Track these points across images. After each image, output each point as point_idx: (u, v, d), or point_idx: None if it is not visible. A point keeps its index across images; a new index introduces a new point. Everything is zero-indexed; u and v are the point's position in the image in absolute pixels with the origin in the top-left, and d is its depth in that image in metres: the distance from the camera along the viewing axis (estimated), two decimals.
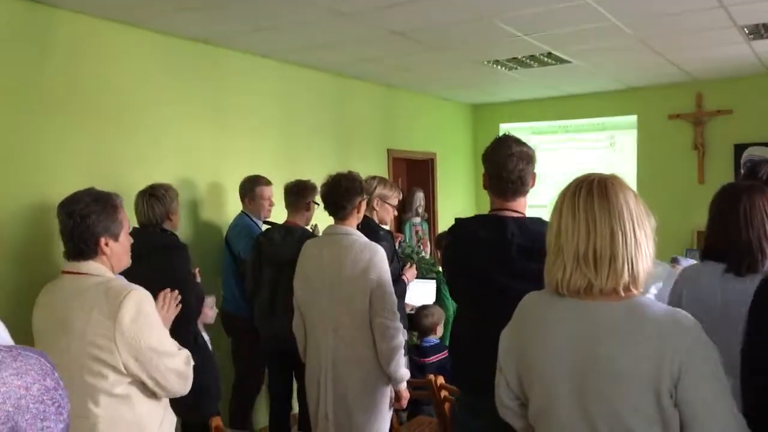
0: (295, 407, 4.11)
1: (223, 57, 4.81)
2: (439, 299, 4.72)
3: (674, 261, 5.77)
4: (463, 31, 4.63)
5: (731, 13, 4.36)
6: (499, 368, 1.67)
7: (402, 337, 2.94)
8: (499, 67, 5.87)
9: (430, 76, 6.31)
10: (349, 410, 2.91)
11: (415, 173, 7.47)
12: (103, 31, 3.98)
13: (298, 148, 5.51)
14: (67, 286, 2.10)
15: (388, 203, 3.94)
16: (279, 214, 4.23)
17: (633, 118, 7.32)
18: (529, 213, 2.44)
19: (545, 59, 5.60)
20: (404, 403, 2.97)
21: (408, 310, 4.20)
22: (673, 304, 2.31)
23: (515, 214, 2.36)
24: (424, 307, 4.39)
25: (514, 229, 2.27)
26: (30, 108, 3.59)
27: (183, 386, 2.15)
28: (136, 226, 3.38)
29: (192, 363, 2.19)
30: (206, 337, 3.61)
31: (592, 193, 1.48)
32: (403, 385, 2.94)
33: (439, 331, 4.34)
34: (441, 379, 3.14)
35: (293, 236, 3.78)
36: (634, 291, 1.48)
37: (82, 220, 2.08)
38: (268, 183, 4.45)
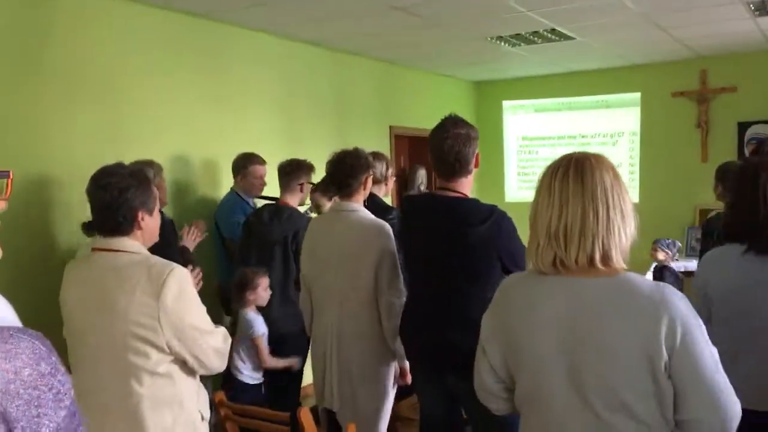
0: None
1: (222, 32, 4.76)
2: None
3: (656, 243, 5.82)
4: (466, 6, 4.58)
5: None
6: (482, 352, 1.65)
7: None
8: (502, 43, 5.82)
9: (433, 53, 6.26)
10: (354, 385, 2.93)
11: (418, 150, 7.43)
12: (102, 6, 3.95)
13: (298, 125, 5.49)
14: (104, 263, 2.05)
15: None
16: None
17: (636, 96, 7.27)
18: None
19: (549, 35, 5.55)
20: (408, 379, 2.99)
21: None
22: (700, 290, 2.29)
23: (451, 194, 2.50)
24: None
25: (443, 209, 2.46)
26: (28, 82, 3.57)
27: (221, 363, 2.16)
28: None
29: (229, 340, 2.20)
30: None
31: (568, 172, 1.51)
32: (407, 362, 2.95)
33: None
34: None
35: (281, 217, 3.74)
36: (617, 266, 1.49)
37: (121, 193, 2.03)
38: (262, 162, 4.39)
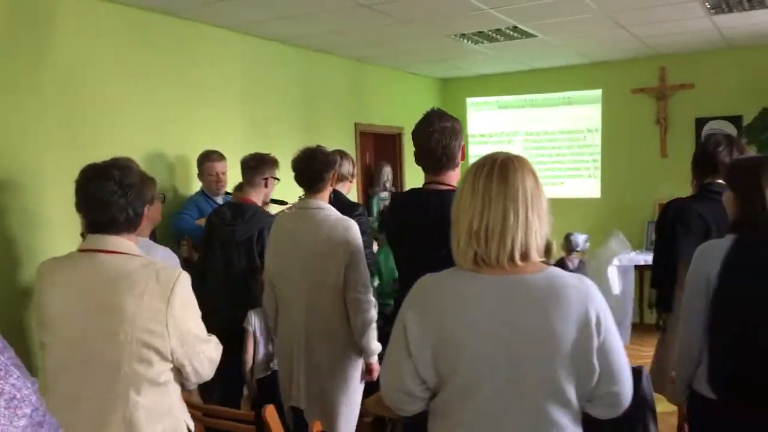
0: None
1: (188, 29, 4.72)
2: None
3: (567, 237, 5.96)
4: (430, 4, 4.61)
5: None
6: (405, 355, 1.61)
7: (374, 310, 2.98)
8: (465, 41, 5.87)
9: (398, 50, 6.29)
10: (322, 382, 2.94)
11: (383, 148, 7.46)
12: (68, 3, 3.88)
13: (265, 122, 5.47)
14: (106, 266, 1.95)
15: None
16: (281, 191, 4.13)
17: (598, 93, 7.40)
18: None
19: (511, 33, 5.61)
20: (375, 375, 3.01)
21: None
22: (700, 282, 2.26)
23: (442, 187, 2.47)
24: (395, 280, 4.43)
25: (436, 202, 2.40)
26: None
27: (212, 373, 2.12)
28: None
29: (221, 349, 2.15)
30: None
31: (492, 173, 1.57)
32: (375, 358, 2.97)
33: None
34: None
35: (244, 215, 3.64)
36: (537, 259, 1.57)
37: (130, 189, 1.97)
38: (218, 158, 4.34)
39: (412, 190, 2.66)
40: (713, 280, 2.21)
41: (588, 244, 6.11)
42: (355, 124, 6.68)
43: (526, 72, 7.65)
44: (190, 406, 2.52)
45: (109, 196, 1.95)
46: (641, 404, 2.17)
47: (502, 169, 1.57)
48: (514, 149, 7.75)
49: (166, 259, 2.61)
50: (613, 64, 7.18)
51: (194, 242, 4.07)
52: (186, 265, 3.97)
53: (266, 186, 3.81)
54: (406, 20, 5.04)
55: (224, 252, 3.68)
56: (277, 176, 3.89)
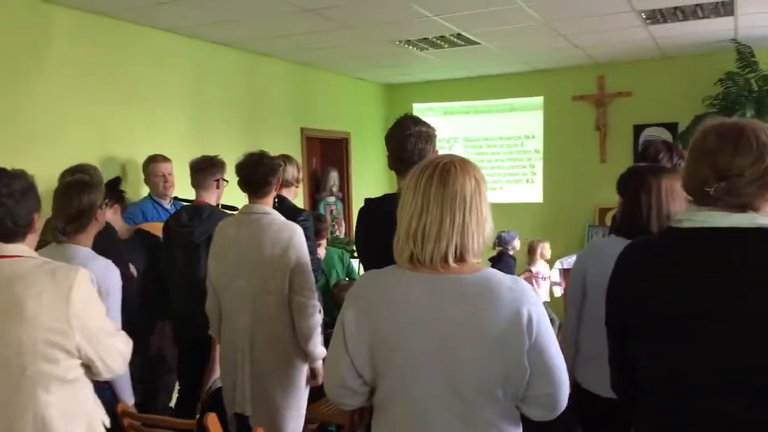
0: None
1: (127, 31, 4.63)
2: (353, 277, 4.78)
3: (499, 238, 6.10)
4: (375, 10, 4.64)
5: None
6: (343, 350, 1.65)
7: (319, 315, 2.98)
8: (411, 47, 5.92)
9: (344, 55, 6.30)
10: (267, 389, 2.92)
11: (330, 152, 7.46)
12: (8, 4, 3.78)
13: (208, 125, 5.40)
14: (5, 270, 1.95)
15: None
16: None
17: (540, 99, 7.56)
18: None
19: (455, 40, 5.70)
20: (320, 380, 3.00)
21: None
22: (578, 279, 2.46)
23: None
24: (338, 283, 4.44)
25: None
26: None
27: (124, 366, 2.14)
28: None
29: (131, 343, 2.16)
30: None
31: (433, 176, 1.60)
32: (320, 363, 2.97)
33: None
34: None
35: (201, 216, 3.64)
36: (472, 261, 1.60)
37: (9, 198, 1.94)
38: (162, 160, 4.31)
39: (386, 196, 2.64)
40: (589, 275, 2.42)
41: (518, 242, 6.20)
42: (301, 128, 6.66)
43: (470, 79, 7.77)
44: (129, 416, 2.48)
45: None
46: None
47: (442, 173, 1.59)
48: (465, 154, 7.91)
49: (108, 270, 2.55)
50: (554, 71, 7.36)
51: None
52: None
53: (218, 187, 3.83)
54: (350, 26, 5.06)
55: (185, 255, 3.64)
56: (227, 178, 3.87)
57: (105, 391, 2.46)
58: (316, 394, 3.39)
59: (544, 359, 1.56)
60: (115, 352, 2.07)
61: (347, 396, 1.70)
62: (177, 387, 3.93)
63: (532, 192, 7.71)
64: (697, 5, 4.83)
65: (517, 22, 5.13)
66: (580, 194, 7.34)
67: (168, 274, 3.70)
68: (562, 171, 7.45)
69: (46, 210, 2.37)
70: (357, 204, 7.25)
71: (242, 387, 2.94)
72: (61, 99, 4.09)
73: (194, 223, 3.60)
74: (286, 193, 3.96)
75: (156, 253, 3.70)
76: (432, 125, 2.58)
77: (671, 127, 6.81)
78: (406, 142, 2.45)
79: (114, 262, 2.65)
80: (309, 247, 3.76)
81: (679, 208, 2.34)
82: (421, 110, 8.19)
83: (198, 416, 2.38)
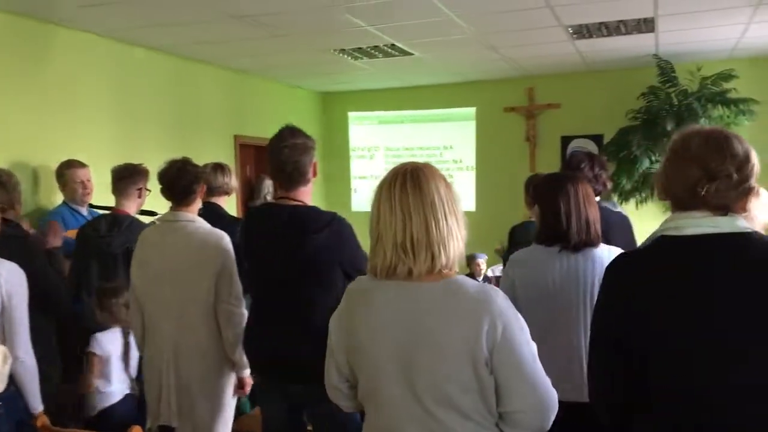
0: None
1: (49, 33, 4.50)
2: None
3: (471, 258, 6.22)
4: (309, 18, 4.65)
5: (556, 13, 4.71)
6: (330, 352, 1.72)
7: None
8: (345, 56, 5.95)
9: (278, 63, 6.27)
10: (193, 398, 2.87)
11: (264, 160, 7.37)
12: None
13: (136, 132, 5.27)
14: None
15: None
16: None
17: (472, 110, 7.70)
18: None
19: (389, 50, 5.75)
20: (247, 390, 2.97)
21: None
22: (507, 288, 2.45)
23: (293, 203, 2.52)
24: None
25: (287, 218, 2.47)
26: None
27: (1, 385, 2.04)
28: None
29: (10, 360, 2.07)
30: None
31: (406, 183, 1.58)
32: (247, 372, 2.93)
33: None
34: None
35: (120, 226, 3.54)
36: (452, 270, 1.60)
37: None
38: (80, 165, 4.20)
39: (264, 204, 2.69)
40: (518, 287, 2.44)
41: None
42: (235, 136, 6.59)
43: (405, 88, 7.85)
44: (46, 429, 2.40)
45: None
46: None
47: (414, 179, 1.58)
48: (376, 164, 7.99)
49: (11, 274, 2.46)
50: (486, 83, 7.51)
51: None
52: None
53: (139, 197, 3.75)
54: (284, 33, 5.05)
55: (100, 265, 3.52)
56: (149, 187, 3.79)
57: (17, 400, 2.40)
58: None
59: (511, 372, 1.51)
60: None
61: (339, 397, 1.76)
62: None
63: (465, 201, 7.83)
64: (620, 21, 5.02)
65: (449, 35, 5.22)
66: (512, 203, 7.46)
67: (80, 282, 3.57)
68: (494, 180, 7.59)
69: None
70: None
71: (168, 398, 2.87)
72: None
73: (113, 233, 3.52)
74: (218, 201, 3.92)
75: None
76: (311, 137, 2.62)
77: (597, 138, 7.05)
78: (281, 153, 2.49)
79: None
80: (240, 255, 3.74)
81: (595, 213, 2.43)
82: (356, 119, 8.23)
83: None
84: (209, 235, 2.90)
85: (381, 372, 1.58)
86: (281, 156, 2.50)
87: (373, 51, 5.77)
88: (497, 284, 5.72)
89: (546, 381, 1.56)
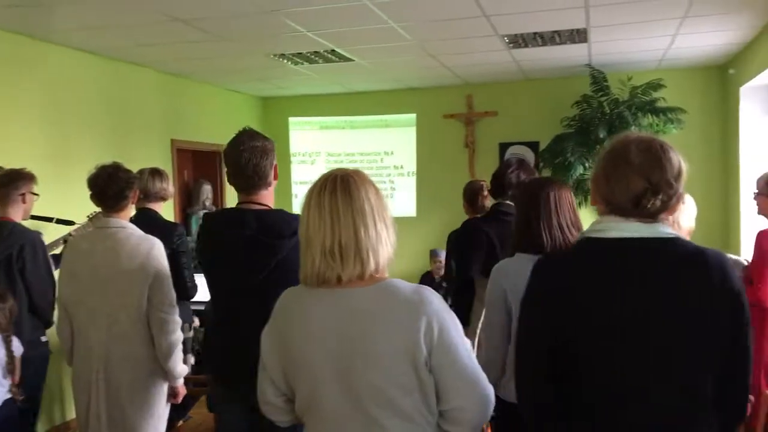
0: None
1: None
2: None
3: (433, 253, 6.28)
4: (248, 22, 4.62)
5: (493, 23, 4.81)
6: (262, 367, 1.68)
7: (180, 331, 2.90)
8: (285, 61, 5.93)
9: (217, 67, 6.20)
10: (123, 409, 2.81)
11: (203, 165, 7.29)
12: None
13: (69, 137, 5.13)
14: None
15: None
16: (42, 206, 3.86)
17: (413, 117, 7.77)
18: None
19: (329, 56, 5.76)
20: (180, 399, 2.93)
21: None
22: (499, 302, 2.39)
23: (255, 207, 2.45)
24: None
25: (250, 222, 2.38)
26: None
27: None
28: None
29: None
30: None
31: (335, 190, 1.58)
32: (180, 381, 2.89)
33: None
34: None
35: (1, 233, 3.39)
36: (383, 274, 1.60)
37: None
38: None
39: (225, 210, 2.60)
40: (510, 299, 2.36)
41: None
42: (172, 140, 6.47)
43: (346, 94, 7.87)
44: None
45: None
46: None
47: (344, 185, 1.58)
48: (317, 170, 7.98)
49: None
50: (426, 90, 7.60)
51: None
52: None
53: (24, 201, 3.58)
54: (222, 37, 5.00)
55: None
56: (36, 191, 3.65)
57: None
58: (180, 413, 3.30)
59: (448, 372, 1.54)
60: None
61: (275, 413, 1.71)
62: None
63: (396, 206, 7.89)
64: (554, 32, 5.16)
65: (389, 42, 5.27)
66: (451, 208, 7.57)
67: None
68: (434, 186, 7.68)
69: None
70: None
71: (97, 409, 2.80)
72: None
73: None
74: (154, 207, 3.85)
75: None
76: (270, 139, 2.55)
77: (533, 145, 7.22)
78: (240, 157, 2.42)
79: None
80: (185, 263, 3.68)
81: (569, 218, 2.40)
82: (296, 124, 8.20)
83: None
84: (141, 242, 2.85)
85: (320, 382, 1.57)
86: (241, 160, 2.42)
87: (313, 56, 5.77)
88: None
89: (483, 377, 1.60)
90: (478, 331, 3.22)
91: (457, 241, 3.54)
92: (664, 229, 1.55)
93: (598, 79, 6.35)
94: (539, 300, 1.63)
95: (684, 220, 3.10)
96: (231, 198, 7.39)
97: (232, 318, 2.49)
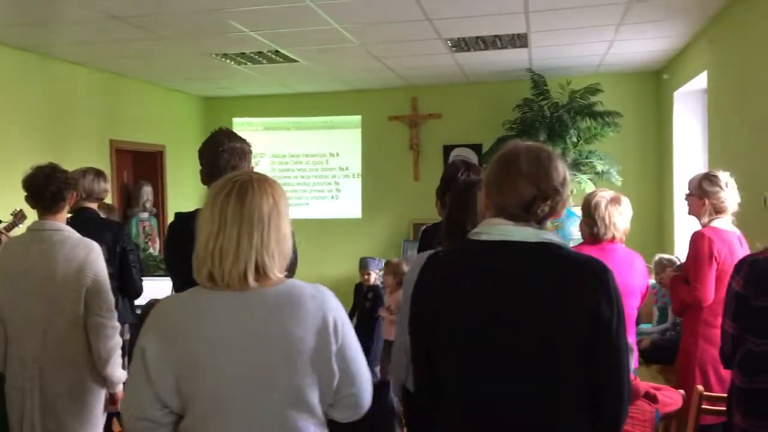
0: None
1: None
2: None
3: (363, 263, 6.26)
4: (189, 21, 4.55)
5: (435, 26, 4.86)
6: (144, 380, 1.57)
7: (119, 337, 2.84)
8: (228, 61, 5.86)
9: (158, 66, 6.09)
10: (60, 418, 2.72)
11: (143, 166, 7.14)
12: None
13: (1, 137, 4.95)
14: None
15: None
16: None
17: (358, 118, 7.79)
18: None
19: (273, 56, 5.72)
20: (119, 406, 2.85)
21: None
22: (409, 292, 2.49)
23: None
24: (152, 304, 4.26)
25: None
26: None
27: None
28: None
29: None
30: None
31: (231, 195, 1.60)
32: (120, 387, 2.82)
33: None
34: None
35: None
36: (276, 277, 1.61)
37: None
38: None
39: (197, 211, 2.54)
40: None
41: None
42: (111, 140, 6.32)
43: (291, 95, 7.83)
44: None
45: None
46: (388, 412, 2.40)
47: (240, 193, 1.59)
48: (261, 171, 7.92)
49: None
50: (371, 92, 7.63)
51: None
52: None
53: None
54: (163, 36, 4.91)
55: None
56: None
57: None
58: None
59: (348, 362, 1.61)
60: None
61: (149, 429, 1.61)
62: None
63: (342, 208, 7.93)
64: (496, 36, 5.25)
65: (333, 43, 5.27)
66: (396, 210, 7.64)
67: None
68: (379, 188, 7.72)
69: None
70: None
71: (31, 418, 2.71)
72: None
73: None
74: (92, 207, 3.77)
75: None
76: (247, 141, 2.54)
77: (476, 147, 7.30)
78: (219, 158, 2.42)
79: None
80: (134, 261, 3.61)
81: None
82: (240, 125, 8.11)
83: None
84: (78, 245, 2.77)
85: (226, 384, 1.55)
86: (219, 161, 2.41)
87: (257, 57, 5.72)
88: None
89: (366, 365, 1.70)
90: None
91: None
92: (543, 234, 1.63)
93: (538, 83, 6.48)
94: (416, 295, 1.77)
95: (620, 221, 3.21)
96: (173, 199, 7.26)
97: None
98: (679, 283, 3.33)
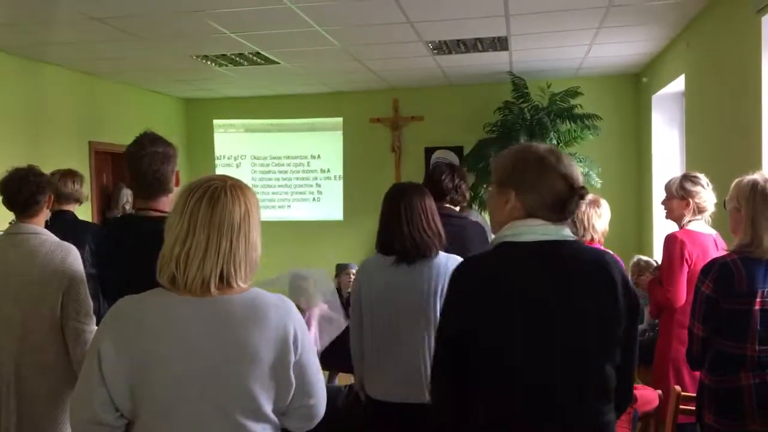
0: None
1: None
2: None
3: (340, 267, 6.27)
4: (169, 22, 4.53)
5: (417, 29, 4.88)
6: (98, 383, 1.53)
7: None
8: (208, 62, 5.83)
9: (137, 67, 6.05)
10: (37, 424, 2.69)
11: (122, 168, 7.05)
12: None
13: None
14: None
15: None
16: None
17: (339, 120, 7.79)
18: None
19: (254, 58, 5.71)
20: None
21: None
22: (356, 291, 2.63)
23: (153, 213, 2.39)
24: None
25: (147, 230, 2.24)
26: None
27: None
28: None
29: None
30: None
31: (202, 200, 1.58)
32: None
33: None
34: None
35: None
36: (240, 286, 1.59)
37: None
38: None
39: (124, 216, 2.54)
40: (363, 295, 2.59)
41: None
42: (90, 142, 6.26)
43: (272, 97, 7.81)
44: None
45: None
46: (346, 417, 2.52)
47: (211, 198, 1.57)
48: (242, 173, 7.90)
49: None
50: (352, 94, 7.63)
51: None
52: None
53: None
54: (142, 37, 4.88)
55: None
56: None
57: None
58: None
59: (307, 374, 1.62)
60: None
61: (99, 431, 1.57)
62: None
63: (323, 210, 7.92)
64: (477, 39, 5.28)
65: (315, 45, 5.26)
66: (378, 212, 7.60)
67: None
68: (361, 190, 7.71)
69: None
70: None
71: (8, 423, 2.68)
72: None
73: None
74: (69, 209, 3.75)
75: None
76: (172, 144, 2.49)
77: (457, 149, 7.35)
78: (140, 162, 2.36)
79: None
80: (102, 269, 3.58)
81: (433, 226, 2.56)
82: (221, 126, 8.09)
83: None
84: (55, 250, 2.74)
85: (181, 388, 1.53)
86: (141, 165, 2.35)
87: (237, 58, 5.70)
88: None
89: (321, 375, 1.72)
90: None
91: None
92: (565, 231, 1.68)
93: (519, 85, 6.52)
94: (452, 303, 1.72)
95: (599, 223, 3.24)
96: None
97: None
98: (654, 285, 3.37)
